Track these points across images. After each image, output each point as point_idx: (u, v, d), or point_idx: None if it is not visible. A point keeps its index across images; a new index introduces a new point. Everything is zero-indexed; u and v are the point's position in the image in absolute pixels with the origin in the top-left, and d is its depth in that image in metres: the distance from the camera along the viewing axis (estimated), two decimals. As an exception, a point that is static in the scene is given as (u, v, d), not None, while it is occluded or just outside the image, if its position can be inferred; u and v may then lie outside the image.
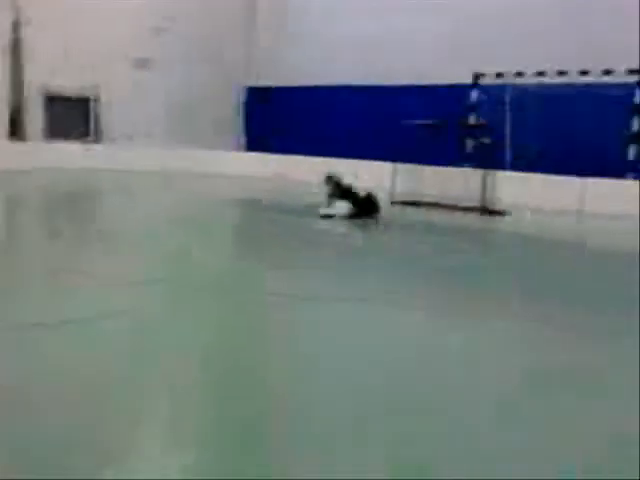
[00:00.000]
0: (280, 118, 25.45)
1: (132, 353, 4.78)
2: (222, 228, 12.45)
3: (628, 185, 16.53)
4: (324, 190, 13.84)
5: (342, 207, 13.34)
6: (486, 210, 15.16)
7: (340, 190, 13.65)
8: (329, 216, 13.18)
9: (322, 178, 14.09)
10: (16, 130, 22.69)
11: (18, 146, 21.94)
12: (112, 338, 5.08)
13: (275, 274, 7.85)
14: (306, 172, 20.32)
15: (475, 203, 15.45)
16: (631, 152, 16.91)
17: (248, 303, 6.40)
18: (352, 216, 13.22)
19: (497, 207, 15.38)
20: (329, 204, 13.57)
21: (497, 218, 14.70)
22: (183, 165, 23.26)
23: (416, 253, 9.96)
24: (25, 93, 22.93)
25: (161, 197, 16.68)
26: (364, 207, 13.50)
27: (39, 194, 16.64)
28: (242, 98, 27.04)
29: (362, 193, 13.60)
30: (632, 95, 16.86)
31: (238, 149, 26.22)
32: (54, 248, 9.07)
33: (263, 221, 13.11)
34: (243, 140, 26.94)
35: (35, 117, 23.21)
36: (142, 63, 24.80)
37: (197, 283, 7.06)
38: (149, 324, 5.49)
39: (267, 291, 6.84)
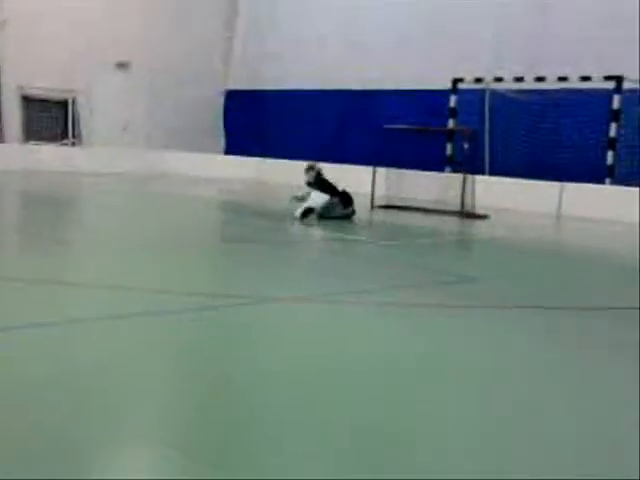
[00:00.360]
0: (260, 122, 25.46)
1: None
2: (195, 232, 12.41)
3: (605, 190, 16.73)
4: (304, 179, 13.89)
5: (319, 197, 13.35)
6: (466, 214, 15.24)
7: (320, 180, 13.74)
8: (309, 210, 13.14)
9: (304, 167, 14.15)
10: (-6, 132, 22.55)
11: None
12: None
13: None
14: (287, 176, 20.32)
15: (456, 207, 15.53)
16: (609, 157, 17.09)
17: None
18: (328, 217, 13.28)
19: (476, 211, 15.46)
20: (305, 195, 13.55)
21: (476, 222, 14.80)
22: (159, 167, 23.23)
23: (387, 256, 10.02)
24: (2, 95, 22.76)
25: (127, 202, 16.65)
26: (342, 199, 13.57)
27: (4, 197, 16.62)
28: (222, 102, 27.03)
29: (339, 188, 13.69)
30: (609, 101, 17.03)
31: (219, 152, 26.20)
32: None
33: (234, 224, 13.11)
34: (223, 143, 26.92)
35: (12, 119, 23.04)
36: (123, 66, 24.70)
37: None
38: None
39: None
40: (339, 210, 13.53)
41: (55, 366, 4.43)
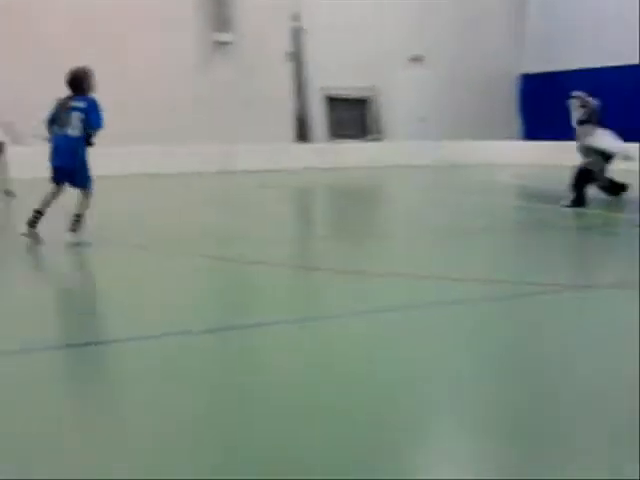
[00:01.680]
0: (556, 105, 24.83)
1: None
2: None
3: None
4: (573, 116, 12.12)
5: (606, 138, 11.54)
6: None
7: (596, 116, 11.82)
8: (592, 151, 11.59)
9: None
10: (303, 132, 24.21)
11: (306, 147, 23.54)
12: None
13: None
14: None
15: None
16: None
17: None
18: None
19: None
20: (584, 135, 11.73)
21: None
22: (457, 157, 23.58)
23: None
24: (309, 96, 24.35)
25: (425, 192, 16.96)
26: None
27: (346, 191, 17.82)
28: (517, 86, 26.75)
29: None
30: None
31: (513, 138, 25.99)
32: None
33: (525, 210, 12.68)
34: (517, 128, 26.63)
35: (319, 119, 24.57)
36: (416, 59, 25.36)
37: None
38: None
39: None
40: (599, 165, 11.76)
41: (360, 357, 4.55)
